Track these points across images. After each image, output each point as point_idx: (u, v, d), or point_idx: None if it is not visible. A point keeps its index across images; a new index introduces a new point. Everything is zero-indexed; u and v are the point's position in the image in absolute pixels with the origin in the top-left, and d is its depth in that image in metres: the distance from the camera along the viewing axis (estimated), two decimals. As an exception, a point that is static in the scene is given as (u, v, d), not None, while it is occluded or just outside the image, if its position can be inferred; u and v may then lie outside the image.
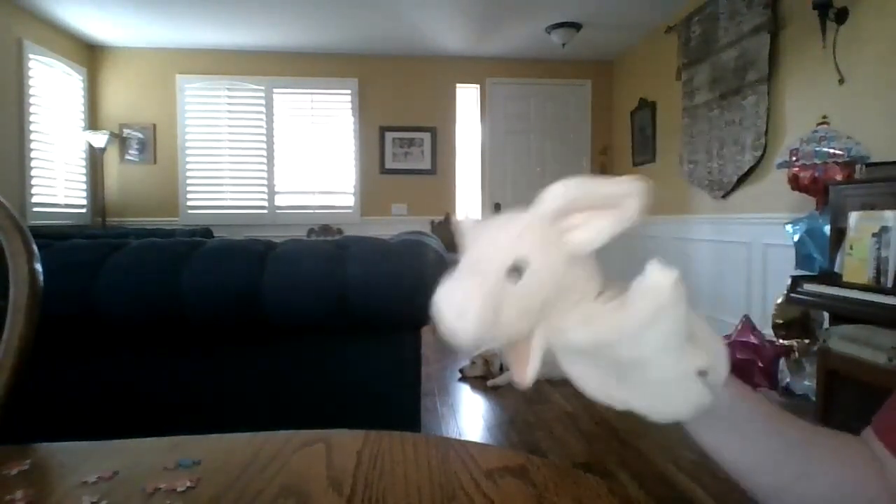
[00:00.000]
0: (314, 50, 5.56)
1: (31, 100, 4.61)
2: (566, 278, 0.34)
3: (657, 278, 0.31)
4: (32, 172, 4.62)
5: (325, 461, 0.57)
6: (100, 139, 5.13)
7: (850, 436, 0.44)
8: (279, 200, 5.72)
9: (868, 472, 0.41)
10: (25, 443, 0.60)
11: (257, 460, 0.57)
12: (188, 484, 0.51)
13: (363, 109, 5.75)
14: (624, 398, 0.34)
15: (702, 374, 0.33)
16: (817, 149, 2.67)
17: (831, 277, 2.27)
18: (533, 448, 2.26)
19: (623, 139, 5.64)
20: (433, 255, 1.27)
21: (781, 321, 2.91)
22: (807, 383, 2.74)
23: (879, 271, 2.02)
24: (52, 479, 0.56)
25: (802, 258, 2.77)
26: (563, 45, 4.98)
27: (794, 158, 2.77)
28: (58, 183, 4.98)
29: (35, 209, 4.63)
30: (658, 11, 4.53)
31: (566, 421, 2.55)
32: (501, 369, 3.19)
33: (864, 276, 2.07)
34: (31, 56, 4.59)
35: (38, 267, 0.73)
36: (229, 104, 5.65)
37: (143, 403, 1.25)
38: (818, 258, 2.65)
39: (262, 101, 5.65)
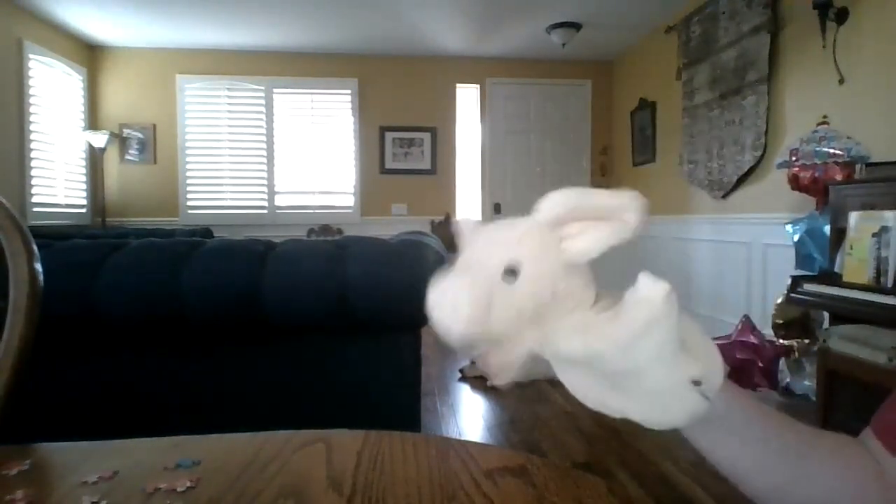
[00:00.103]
0: (314, 50, 5.56)
1: (31, 100, 4.61)
2: (561, 285, 0.34)
3: (649, 291, 0.31)
4: (32, 172, 4.62)
5: (325, 461, 0.57)
6: (100, 139, 5.13)
7: (848, 437, 0.44)
8: (279, 200, 5.72)
9: (867, 474, 0.40)
10: (25, 443, 0.60)
11: (257, 460, 0.57)
12: (188, 484, 0.51)
13: (363, 109, 5.75)
14: (618, 407, 0.34)
15: (696, 382, 0.34)
16: (817, 149, 2.67)
17: (831, 277, 2.27)
18: (533, 448, 2.26)
19: (623, 139, 5.64)
20: (433, 255, 1.27)
21: (781, 321, 2.91)
22: (807, 383, 2.74)
23: (879, 271, 2.02)
24: (52, 479, 0.56)
25: (802, 258, 2.77)
26: (563, 45, 4.98)
27: (794, 158, 2.77)
28: (58, 183, 4.98)
29: (35, 209, 4.63)
30: (658, 11, 4.53)
31: (566, 421, 2.55)
32: (501, 369, 3.19)
33: (864, 276, 2.07)
34: (31, 56, 4.59)
35: (38, 267, 0.73)
36: (229, 104, 5.65)
37: (143, 403, 1.25)
38: (818, 258, 2.65)
39: (262, 101, 5.65)
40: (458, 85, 5.88)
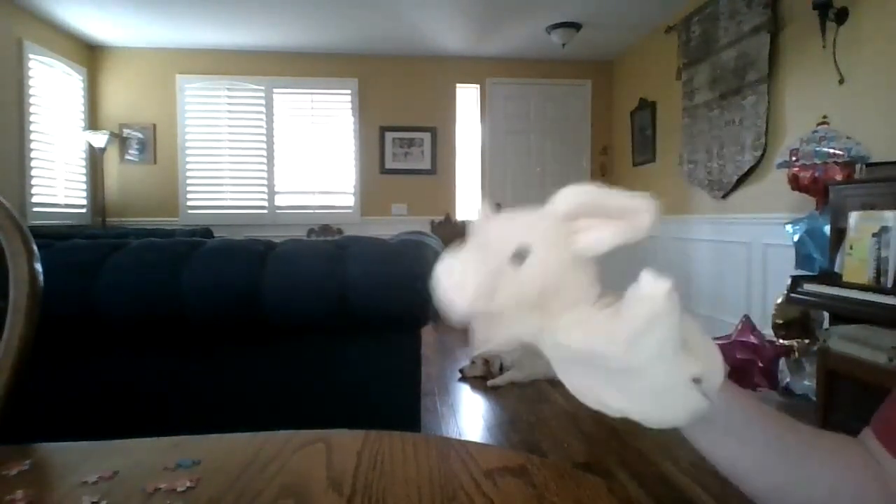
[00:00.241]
0: (314, 50, 5.56)
1: (31, 100, 4.61)
2: (567, 275, 0.34)
3: (651, 288, 0.31)
4: (32, 172, 4.62)
5: (325, 461, 0.57)
6: (100, 139, 5.13)
7: (848, 437, 0.44)
8: (279, 200, 5.73)
9: (866, 474, 0.40)
10: (25, 443, 0.60)
11: (257, 460, 0.57)
12: (188, 484, 0.51)
13: (363, 109, 5.75)
14: (618, 405, 0.34)
15: (696, 381, 0.34)
16: (817, 149, 2.67)
17: (831, 277, 2.27)
18: (533, 448, 2.26)
19: (623, 139, 5.64)
20: (433, 255, 1.27)
21: (781, 321, 2.91)
22: (807, 383, 2.74)
23: (879, 271, 2.02)
24: (52, 479, 0.56)
25: (802, 258, 2.77)
26: (563, 45, 4.98)
27: (794, 158, 2.77)
28: (58, 183, 4.98)
29: (35, 209, 4.63)
30: (658, 11, 4.53)
31: (566, 421, 2.55)
32: (501, 369, 3.19)
33: (864, 276, 2.07)
34: (31, 56, 4.59)
35: (38, 267, 0.73)
36: (229, 104, 5.65)
37: (143, 403, 1.25)
38: (818, 258, 2.65)
39: (262, 101, 5.65)
40: (458, 85, 5.88)
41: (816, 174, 2.65)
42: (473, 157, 5.97)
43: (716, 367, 0.35)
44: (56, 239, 1.29)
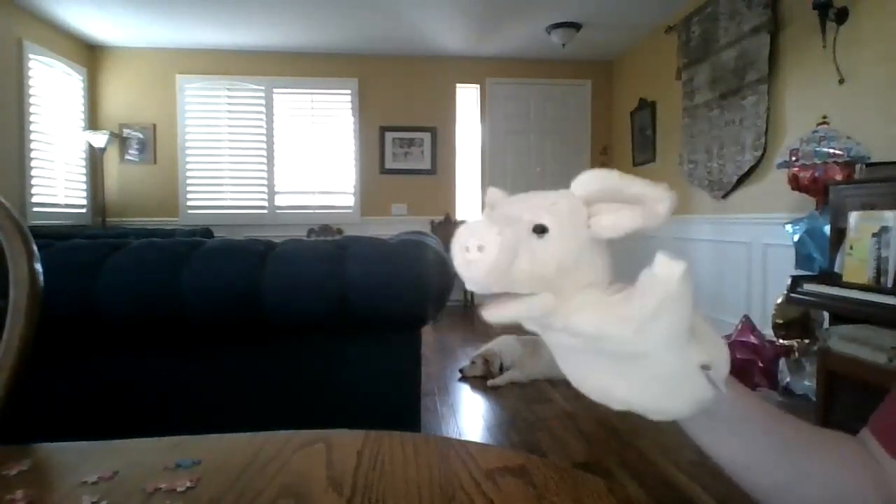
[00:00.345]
0: (314, 50, 5.56)
1: (31, 100, 4.61)
2: (583, 256, 0.34)
3: (665, 270, 0.31)
4: (32, 172, 4.62)
5: (325, 461, 0.57)
6: (100, 139, 5.14)
7: (848, 436, 0.44)
8: (279, 200, 5.73)
9: (866, 473, 0.41)
10: (25, 443, 0.60)
11: (257, 460, 0.57)
12: (188, 484, 0.51)
13: (363, 109, 5.75)
14: (623, 396, 0.34)
15: (705, 368, 0.33)
16: (817, 149, 2.67)
17: (831, 277, 2.27)
18: (533, 448, 2.26)
19: (623, 139, 5.64)
20: (433, 255, 1.27)
21: (781, 321, 2.91)
22: (807, 383, 2.74)
23: (879, 271, 2.02)
24: (52, 479, 0.56)
25: (802, 258, 2.77)
26: (563, 45, 4.99)
27: (794, 158, 2.77)
28: (58, 183, 4.99)
29: (35, 209, 4.63)
30: (658, 11, 4.53)
31: (566, 421, 2.55)
32: (501, 369, 3.19)
33: (864, 276, 2.07)
34: (31, 56, 4.59)
35: (38, 267, 0.73)
36: (229, 104, 5.66)
37: (143, 403, 1.25)
38: (818, 258, 2.65)
39: (262, 101, 5.65)
40: (458, 85, 5.88)
41: (816, 174, 2.65)
42: (473, 157, 5.97)
43: (723, 357, 0.35)
44: (56, 239, 1.29)
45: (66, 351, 1.21)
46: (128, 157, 5.56)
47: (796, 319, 2.87)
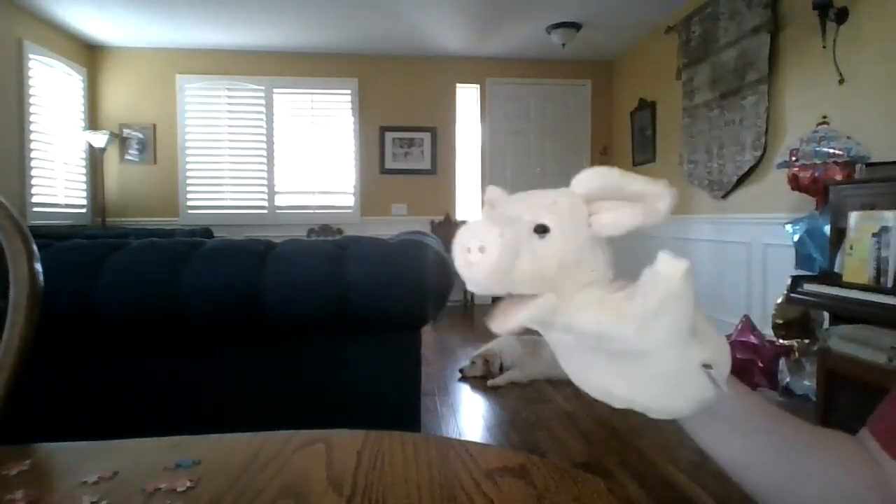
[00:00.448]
0: (314, 50, 5.56)
1: (31, 100, 4.61)
2: (584, 254, 0.34)
3: (668, 268, 0.31)
4: (32, 172, 4.62)
5: (325, 461, 0.57)
6: (100, 139, 5.14)
7: (848, 436, 0.44)
8: (279, 200, 5.73)
9: (865, 473, 0.40)
10: (25, 443, 0.60)
11: (257, 460, 0.57)
12: (188, 484, 0.51)
13: (363, 109, 5.75)
14: (624, 394, 0.34)
15: (706, 366, 0.33)
16: (817, 149, 2.67)
17: (831, 277, 2.27)
18: (533, 448, 2.26)
19: (623, 139, 5.64)
20: (433, 255, 1.27)
21: (781, 321, 2.91)
22: (807, 383, 2.74)
23: (879, 271, 2.02)
24: (52, 479, 0.56)
25: (802, 258, 2.77)
26: (563, 45, 4.99)
27: (794, 158, 2.77)
28: (58, 183, 4.99)
29: (35, 209, 4.63)
30: (658, 11, 4.53)
31: (566, 421, 2.55)
32: (501, 369, 3.19)
33: (864, 276, 2.07)
34: (31, 56, 4.59)
35: (38, 267, 0.73)
36: (229, 104, 5.66)
37: (143, 403, 1.25)
38: (818, 258, 2.65)
39: (262, 101, 5.65)
40: (458, 85, 5.88)
41: (816, 174, 2.65)
42: (473, 157, 5.98)
43: (724, 355, 0.35)
44: (56, 239, 1.29)
45: (66, 351, 1.21)
46: (128, 157, 5.56)
47: (796, 319, 2.87)
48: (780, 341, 2.91)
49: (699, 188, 4.23)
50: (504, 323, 0.34)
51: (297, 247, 1.26)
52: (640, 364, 0.33)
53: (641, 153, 5.26)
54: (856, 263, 2.12)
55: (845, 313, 2.09)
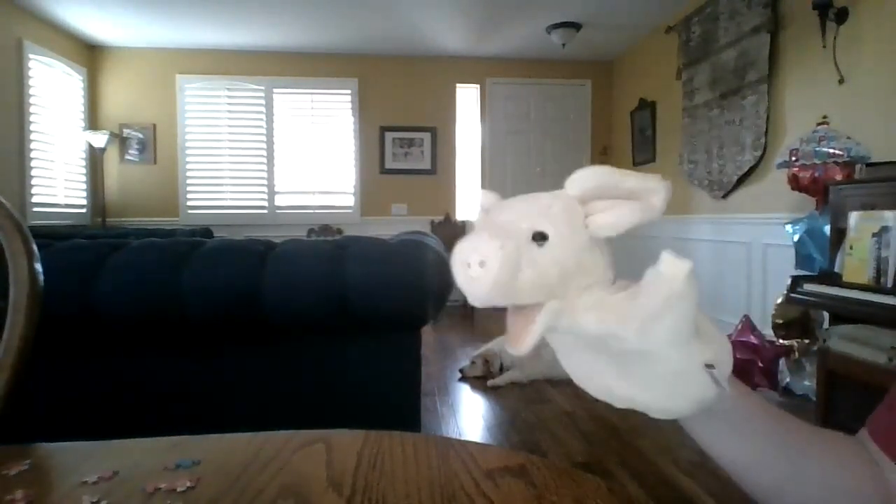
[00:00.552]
0: (314, 50, 5.56)
1: (31, 100, 4.61)
2: (585, 256, 0.33)
3: (671, 268, 0.31)
4: (32, 172, 4.62)
5: (325, 461, 0.57)
6: (100, 139, 5.14)
7: (848, 436, 0.44)
8: (279, 200, 5.73)
9: (864, 473, 0.41)
10: (25, 443, 0.60)
11: (257, 460, 0.57)
12: (188, 484, 0.51)
13: (363, 109, 5.75)
14: (626, 393, 0.34)
15: (708, 366, 0.33)
16: (817, 149, 2.67)
17: (831, 277, 2.27)
18: (533, 448, 2.26)
19: (623, 139, 5.64)
20: (433, 255, 1.27)
21: (781, 321, 2.91)
22: (807, 383, 2.74)
23: (879, 271, 2.02)
24: (52, 479, 0.56)
25: (802, 258, 2.77)
26: (563, 45, 4.99)
27: (794, 158, 2.76)
28: (58, 183, 4.98)
29: (35, 209, 4.63)
30: (658, 11, 4.53)
31: (566, 421, 2.55)
32: (501, 369, 3.19)
33: (864, 276, 2.07)
34: (31, 56, 4.59)
35: (38, 267, 0.73)
36: (229, 104, 5.66)
37: (143, 403, 1.25)
38: (818, 258, 2.65)
39: (262, 101, 5.65)
40: (458, 85, 5.88)
41: (816, 174, 2.65)
42: (473, 157, 5.98)
43: (726, 355, 0.35)
44: (56, 239, 1.29)
45: (66, 351, 1.21)
46: (128, 157, 5.56)
47: (796, 319, 2.87)
48: (780, 341, 2.91)
49: (699, 188, 4.23)
50: (521, 344, 0.34)
51: (297, 247, 1.26)
52: (642, 364, 0.33)
53: (641, 153, 5.26)
54: (856, 263, 2.12)
55: (845, 313, 2.09)
